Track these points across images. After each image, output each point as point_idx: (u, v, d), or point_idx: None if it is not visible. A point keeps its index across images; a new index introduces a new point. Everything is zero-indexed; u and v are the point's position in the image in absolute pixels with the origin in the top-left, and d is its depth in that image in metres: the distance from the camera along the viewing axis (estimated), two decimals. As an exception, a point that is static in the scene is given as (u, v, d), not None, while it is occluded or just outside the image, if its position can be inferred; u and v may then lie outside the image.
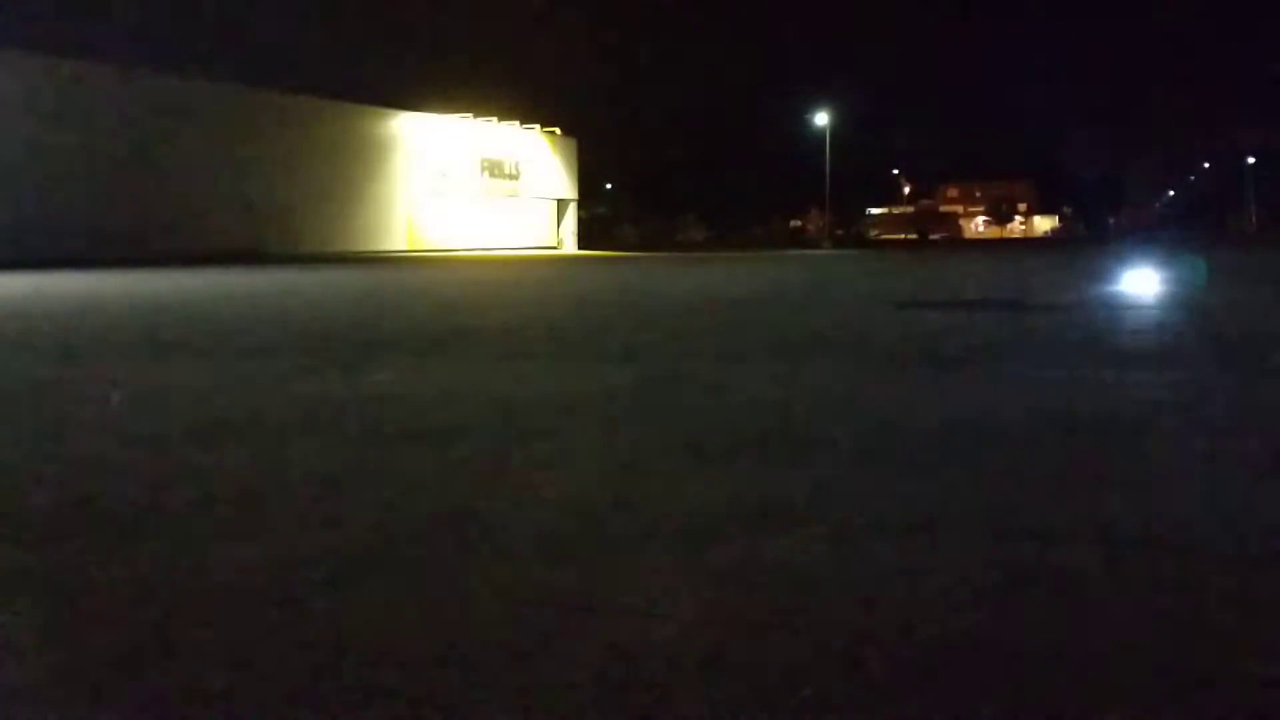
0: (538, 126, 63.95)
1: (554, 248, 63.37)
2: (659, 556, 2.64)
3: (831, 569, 2.53)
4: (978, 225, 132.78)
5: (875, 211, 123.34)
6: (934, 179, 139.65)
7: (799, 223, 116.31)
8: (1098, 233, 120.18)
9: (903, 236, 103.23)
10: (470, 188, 57.90)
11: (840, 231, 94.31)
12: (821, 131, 64.89)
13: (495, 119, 60.35)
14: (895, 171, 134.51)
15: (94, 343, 8.76)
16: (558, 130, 65.85)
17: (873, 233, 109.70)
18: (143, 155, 39.74)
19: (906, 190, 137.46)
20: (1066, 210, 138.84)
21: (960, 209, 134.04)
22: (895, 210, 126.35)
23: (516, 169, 61.44)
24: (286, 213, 45.96)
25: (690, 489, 3.34)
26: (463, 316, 11.24)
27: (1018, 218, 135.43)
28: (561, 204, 66.77)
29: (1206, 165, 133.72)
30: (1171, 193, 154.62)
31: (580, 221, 69.52)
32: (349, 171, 50.57)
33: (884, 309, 11.28)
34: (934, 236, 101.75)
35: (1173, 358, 6.82)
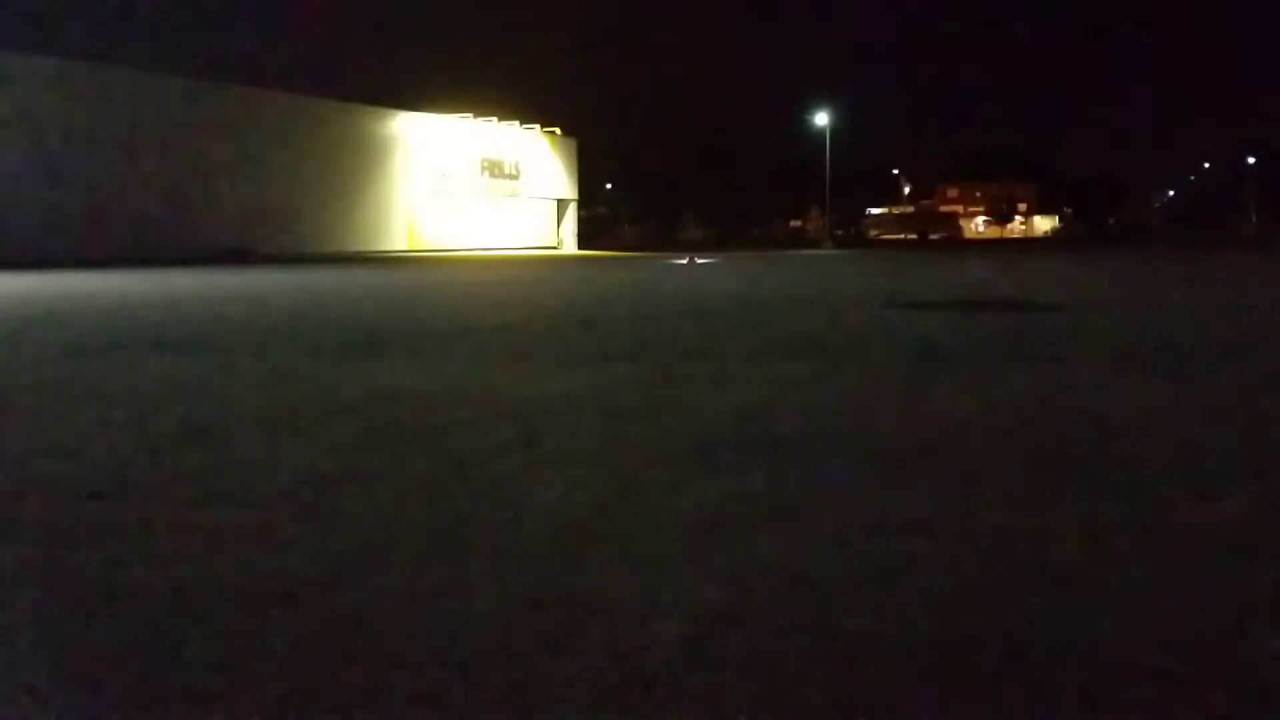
0: (538, 126, 63.91)
1: (554, 248, 63.35)
2: (659, 551, 2.64)
3: (825, 559, 2.55)
4: (978, 225, 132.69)
5: (875, 211, 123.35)
6: (934, 179, 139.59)
7: (799, 223, 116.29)
8: (1098, 232, 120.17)
9: (903, 236, 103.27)
10: (470, 188, 57.87)
11: (840, 232, 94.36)
12: (821, 131, 64.85)
13: (495, 119, 60.31)
14: (895, 171, 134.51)
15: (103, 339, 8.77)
16: (558, 130, 65.81)
17: (873, 233, 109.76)
18: (142, 156, 39.72)
19: (907, 190, 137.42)
20: (1067, 210, 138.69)
21: (960, 209, 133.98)
22: (895, 210, 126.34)
23: (516, 169, 61.40)
24: (287, 213, 45.94)
25: (686, 488, 3.34)
26: (467, 317, 11.25)
27: (1018, 218, 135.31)
28: (561, 204, 66.73)
29: (1207, 165, 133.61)
30: (1171, 193, 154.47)
31: (580, 221, 69.49)
32: (349, 171, 50.57)
33: (884, 310, 11.28)
34: (934, 236, 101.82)
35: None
